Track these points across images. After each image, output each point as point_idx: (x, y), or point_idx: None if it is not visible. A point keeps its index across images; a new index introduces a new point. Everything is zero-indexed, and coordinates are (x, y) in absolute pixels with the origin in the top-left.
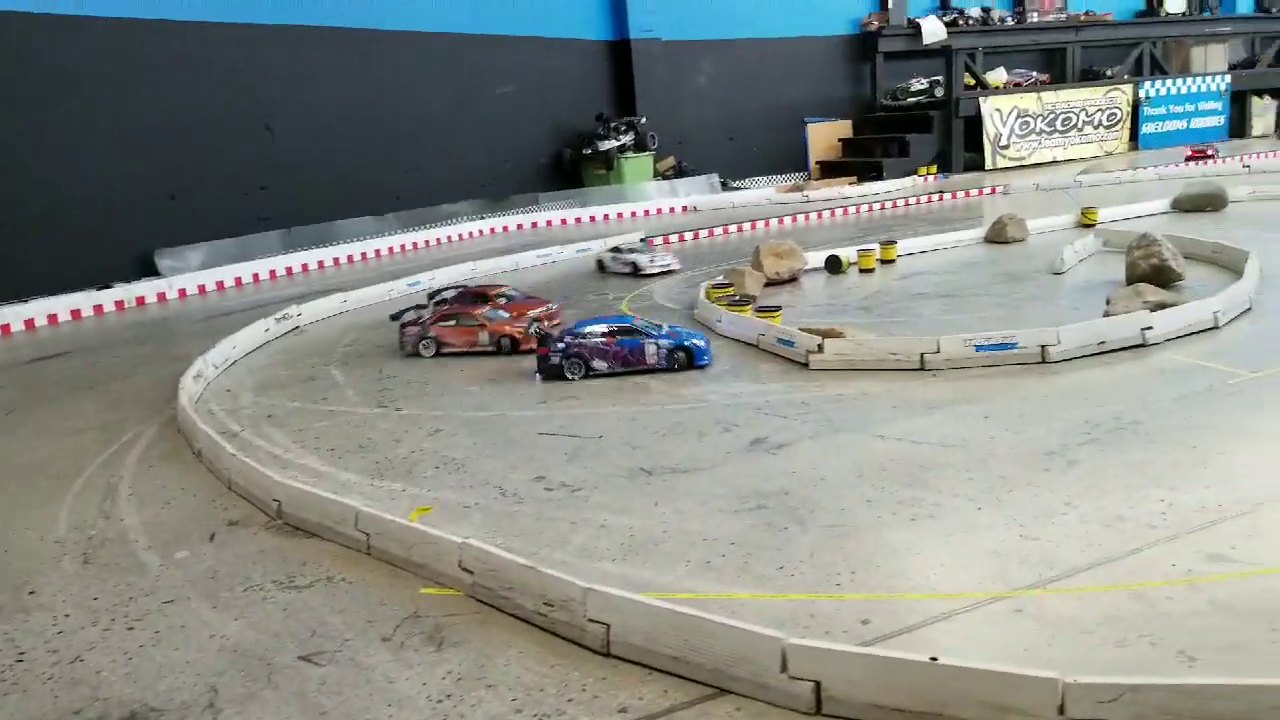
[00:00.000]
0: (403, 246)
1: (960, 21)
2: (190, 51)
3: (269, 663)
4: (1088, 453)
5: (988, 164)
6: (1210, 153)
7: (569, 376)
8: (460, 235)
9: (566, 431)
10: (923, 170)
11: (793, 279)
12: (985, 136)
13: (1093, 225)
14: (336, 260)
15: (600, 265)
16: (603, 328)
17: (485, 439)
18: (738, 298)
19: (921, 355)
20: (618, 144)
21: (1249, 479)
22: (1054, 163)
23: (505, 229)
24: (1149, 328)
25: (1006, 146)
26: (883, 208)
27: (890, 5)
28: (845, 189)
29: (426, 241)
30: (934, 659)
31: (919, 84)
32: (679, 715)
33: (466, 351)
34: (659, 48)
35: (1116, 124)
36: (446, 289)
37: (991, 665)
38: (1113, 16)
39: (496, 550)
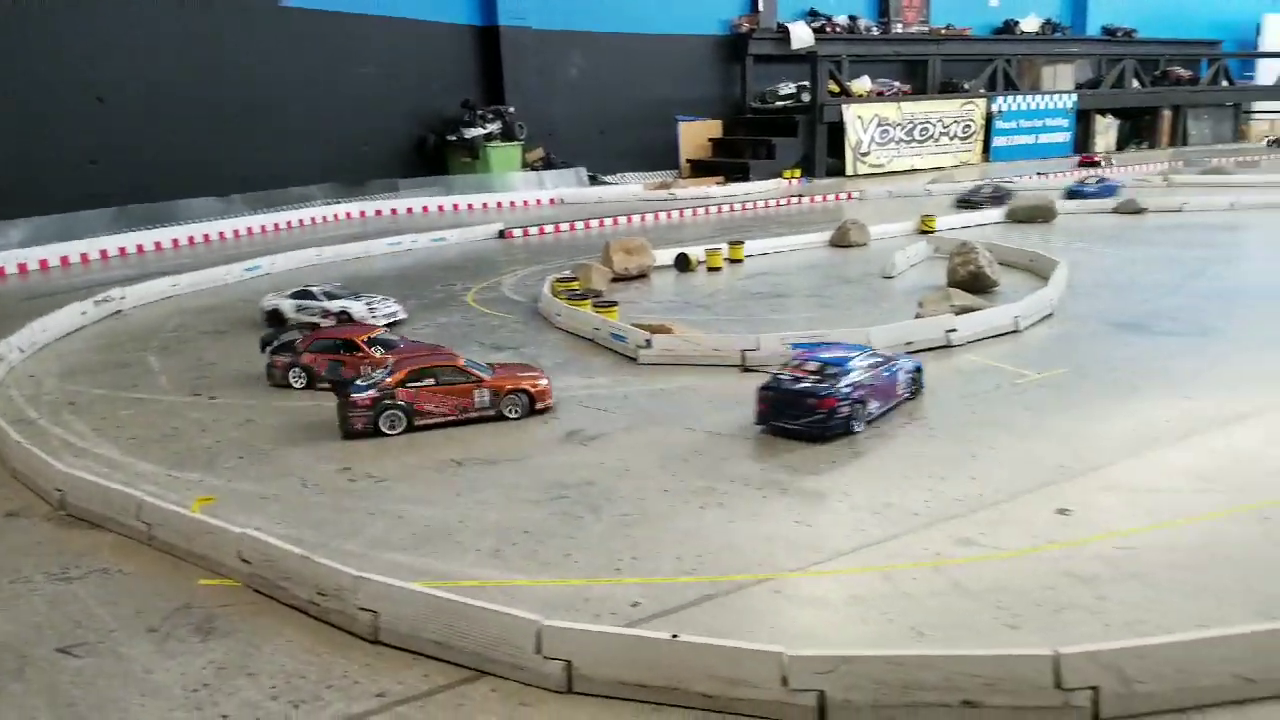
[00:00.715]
0: (249, 229)
1: (828, 29)
2: (6, 14)
3: (23, 655)
4: (874, 445)
5: (849, 170)
6: (1098, 160)
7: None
8: (312, 219)
9: None
10: (787, 173)
11: (642, 275)
12: (847, 143)
13: (931, 232)
14: (175, 242)
15: (271, 318)
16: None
17: (297, 430)
18: (582, 292)
19: (743, 352)
20: (484, 132)
21: (1009, 471)
22: (912, 171)
23: (362, 214)
24: (953, 330)
25: (867, 153)
26: (744, 208)
27: (761, 8)
28: (711, 188)
29: (275, 225)
30: (674, 636)
31: (787, 88)
32: (437, 698)
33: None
34: (530, 36)
35: (971, 136)
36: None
37: (724, 642)
38: (971, 31)
39: (274, 541)
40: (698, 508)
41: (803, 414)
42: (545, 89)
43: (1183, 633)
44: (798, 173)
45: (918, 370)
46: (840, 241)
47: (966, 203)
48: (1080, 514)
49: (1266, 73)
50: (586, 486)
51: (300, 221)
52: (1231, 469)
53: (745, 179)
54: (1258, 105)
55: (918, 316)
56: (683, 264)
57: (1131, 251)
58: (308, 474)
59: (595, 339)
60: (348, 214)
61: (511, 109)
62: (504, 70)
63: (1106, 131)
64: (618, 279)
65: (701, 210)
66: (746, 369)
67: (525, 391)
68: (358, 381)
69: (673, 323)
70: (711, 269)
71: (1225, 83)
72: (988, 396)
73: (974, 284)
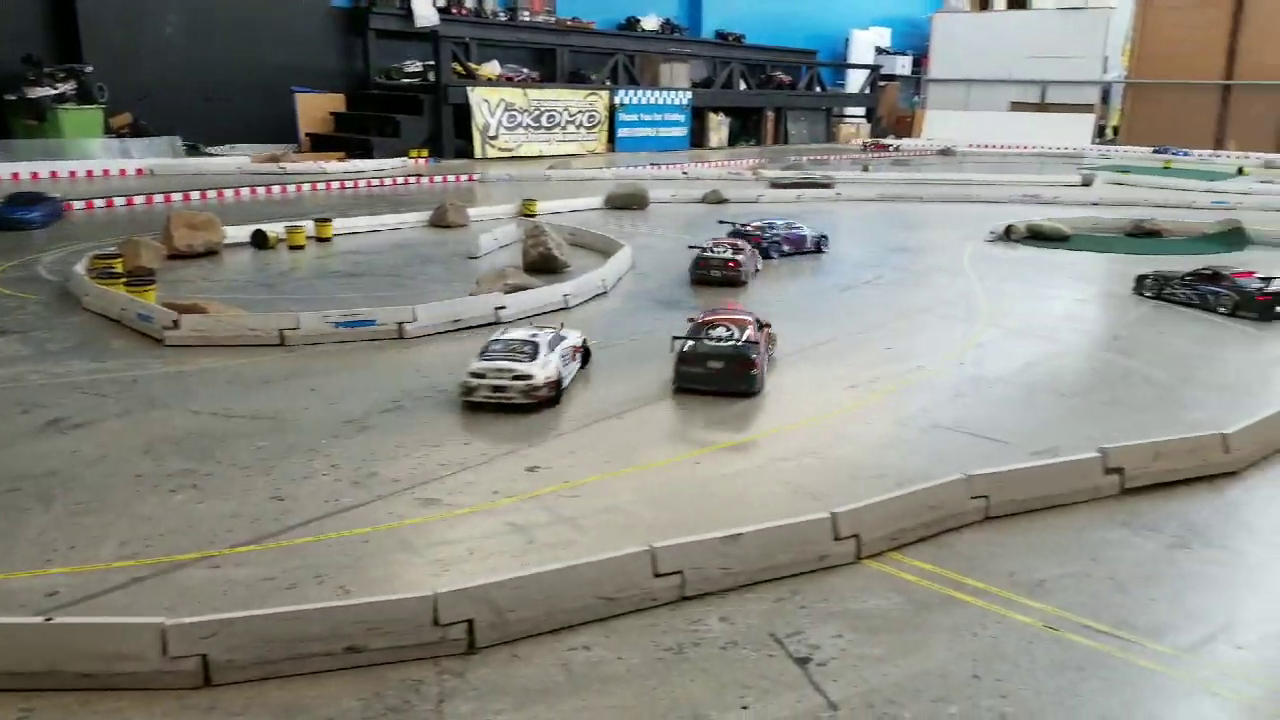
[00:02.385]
0: None
1: (454, 10)
2: None
3: None
4: (385, 420)
5: (477, 153)
6: (888, 145)
7: None
8: None
9: None
10: (414, 152)
11: (210, 252)
12: (474, 125)
13: (532, 216)
14: None
15: None
16: None
17: None
18: (120, 271)
19: (281, 331)
20: (54, 93)
21: (493, 439)
22: (541, 156)
23: None
24: (502, 307)
25: (495, 137)
26: (356, 186)
27: None
28: (326, 164)
29: None
30: (48, 619)
31: (413, 66)
32: None
33: None
34: None
35: (596, 125)
36: None
37: (101, 619)
38: (595, 25)
39: None
40: (168, 491)
41: None
42: (134, 49)
43: (554, 564)
44: (425, 152)
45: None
46: (439, 222)
47: (779, 186)
48: (549, 470)
49: (854, 81)
50: (47, 477)
51: None
52: (689, 425)
53: (369, 156)
54: (848, 110)
55: (471, 294)
56: (260, 241)
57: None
58: None
59: (122, 320)
60: None
61: (89, 68)
62: (80, 23)
63: (720, 128)
64: (179, 256)
65: (321, 185)
66: (287, 347)
67: None
68: None
69: (212, 302)
70: (293, 247)
71: (819, 89)
72: None
73: (545, 265)
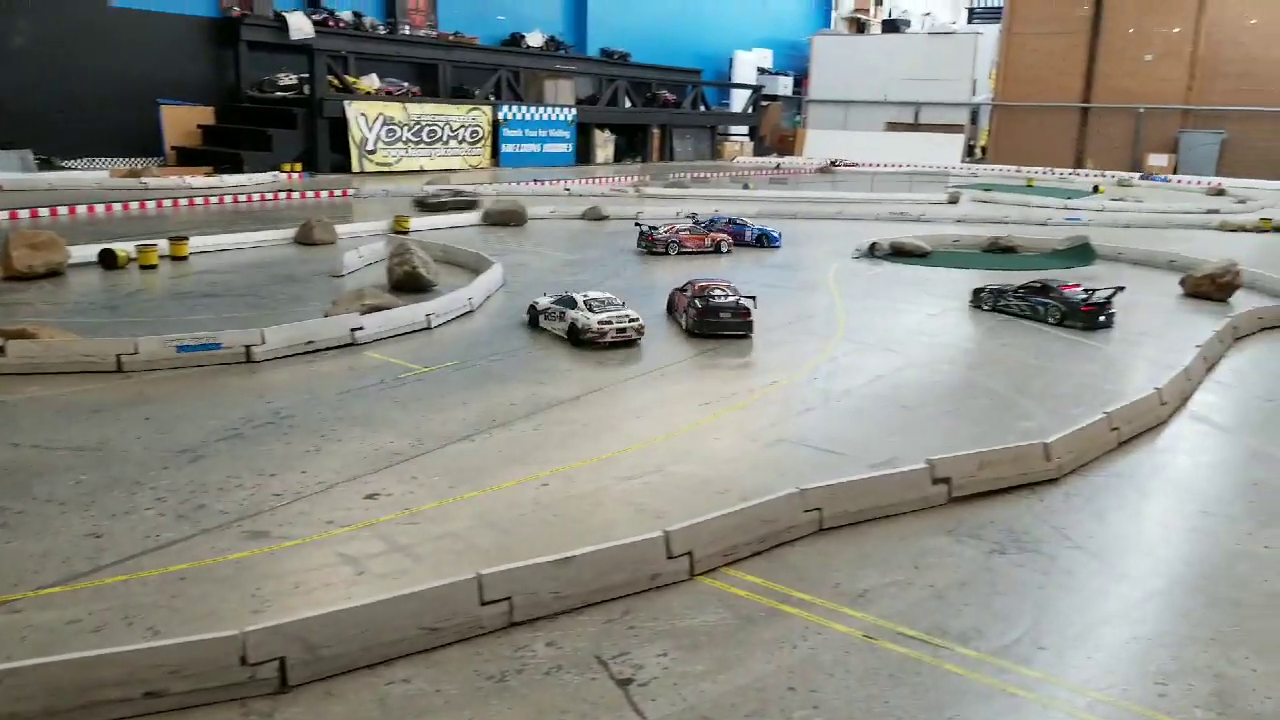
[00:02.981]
0: None
1: (331, 23)
2: None
3: None
4: (221, 449)
5: (355, 167)
6: (837, 164)
7: None
8: None
9: None
10: (286, 166)
11: (53, 273)
12: (351, 140)
13: (405, 232)
14: None
15: None
16: None
17: None
18: None
19: (118, 357)
20: None
21: (341, 462)
22: (422, 171)
23: None
24: (359, 328)
25: (373, 151)
26: (222, 201)
27: None
28: (191, 179)
29: None
30: None
31: (288, 79)
32: None
33: None
34: None
35: (479, 141)
36: None
37: None
38: (479, 40)
39: None
40: None
41: None
42: None
43: (373, 597)
44: (299, 167)
45: None
46: (305, 239)
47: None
48: (389, 498)
49: (738, 100)
50: None
51: None
52: (541, 446)
53: (239, 171)
54: (733, 128)
55: (327, 315)
56: (108, 261)
57: (577, 254)
58: None
59: None
60: None
61: None
62: None
63: (606, 145)
64: (18, 277)
65: (184, 201)
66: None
67: None
68: None
69: (45, 327)
70: (145, 267)
71: (703, 107)
72: (364, 392)
73: (411, 283)
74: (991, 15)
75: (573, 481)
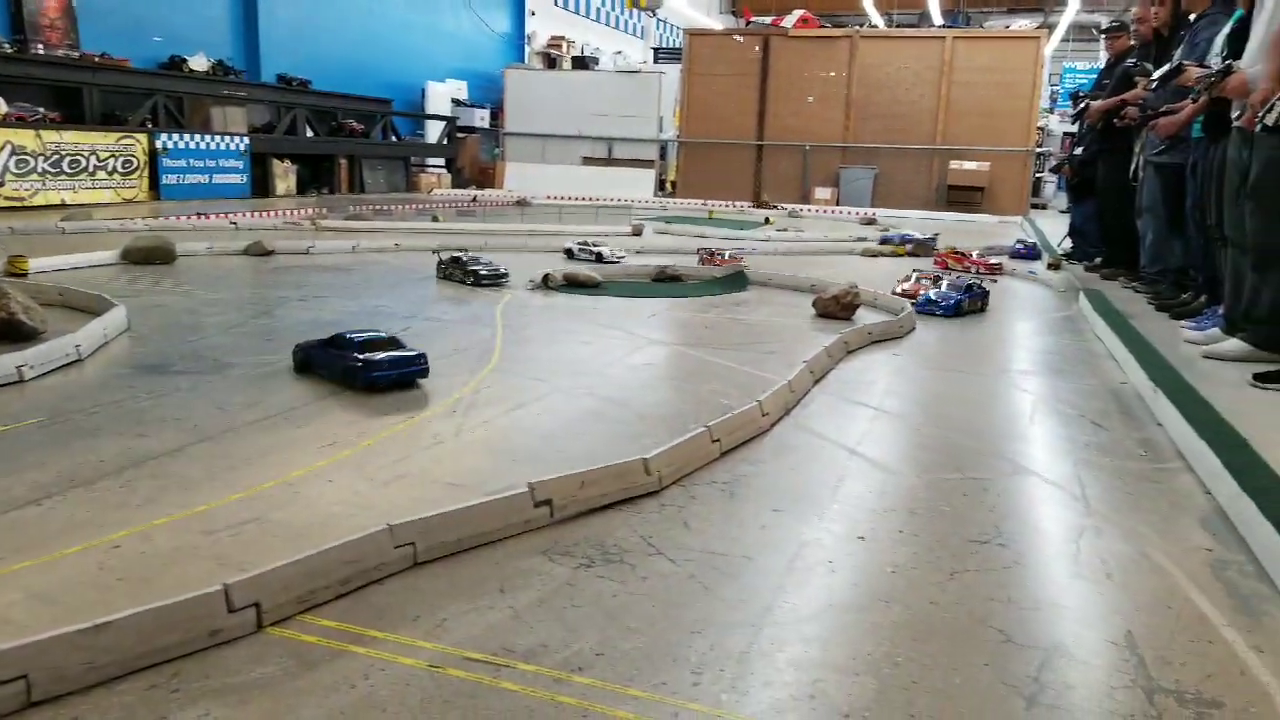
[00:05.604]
0: None
1: None
2: None
3: None
4: None
5: None
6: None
7: None
8: None
9: None
10: None
11: None
12: None
13: (23, 274)
14: None
15: None
16: None
17: None
18: None
19: None
20: None
21: None
22: (64, 205)
23: None
24: None
25: (2, 184)
26: None
27: None
28: None
29: None
30: None
31: None
32: None
33: None
34: None
35: (134, 172)
36: None
37: None
38: (130, 63)
39: None
40: None
41: None
42: None
43: None
44: None
45: None
46: None
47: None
48: None
49: (434, 132)
50: None
51: None
52: (123, 505)
53: None
54: (430, 160)
55: None
56: None
57: (226, 293)
58: None
59: None
60: None
61: None
62: None
63: (287, 176)
64: None
65: None
66: None
67: None
68: None
69: None
70: None
71: (395, 138)
72: None
73: (10, 332)
74: (674, 56)
75: (149, 541)
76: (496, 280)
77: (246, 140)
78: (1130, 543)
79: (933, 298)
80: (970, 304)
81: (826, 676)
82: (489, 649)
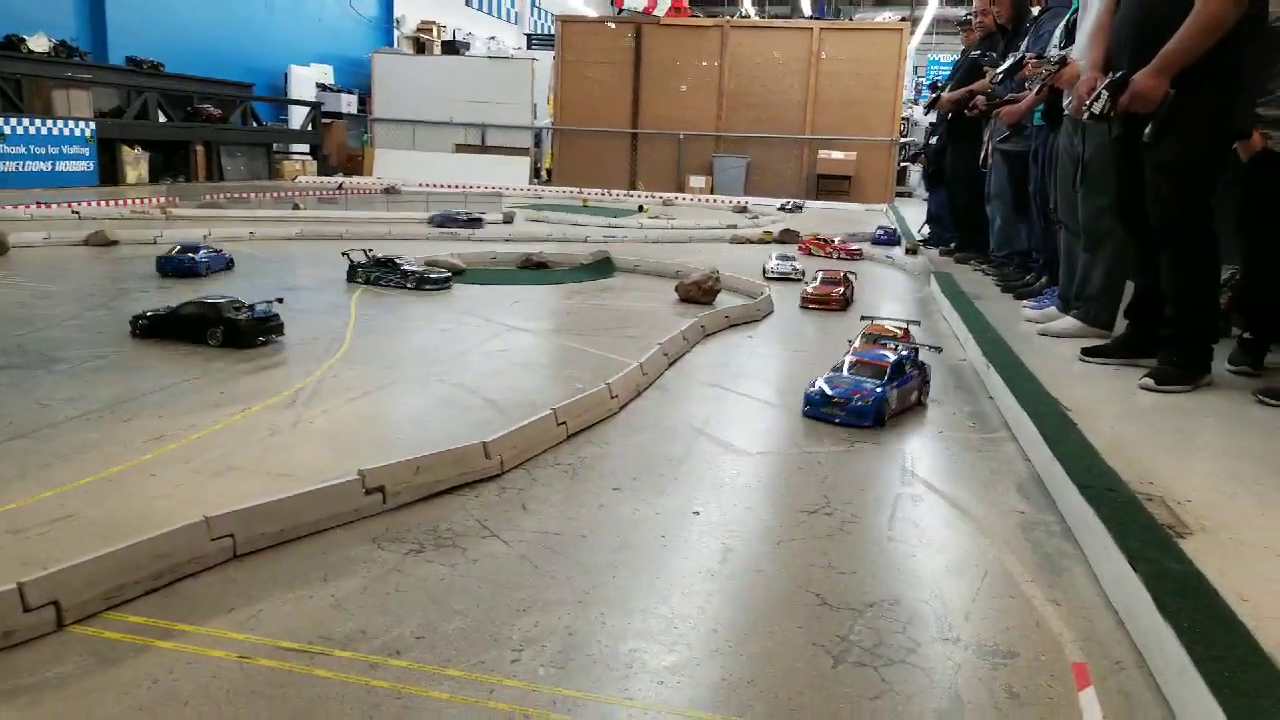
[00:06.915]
0: None
1: None
2: None
3: None
4: None
5: None
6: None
7: None
8: None
9: None
10: None
11: None
12: None
13: None
14: None
15: None
16: None
17: None
18: None
19: None
20: None
21: None
22: None
23: None
24: None
25: None
26: None
27: None
28: None
29: None
30: None
31: None
32: None
33: None
34: None
35: None
36: None
37: None
38: None
39: None
40: None
41: None
42: None
43: None
44: None
45: None
46: None
47: None
48: None
49: (297, 118)
50: None
51: None
52: None
53: None
54: (294, 146)
55: None
56: None
57: (62, 285)
58: None
59: None
60: None
61: None
62: None
63: (138, 163)
64: None
65: None
66: None
67: None
68: None
69: None
70: None
71: (255, 124)
72: None
73: None
74: (548, 42)
75: None
76: (442, 283)
77: (92, 125)
78: (949, 508)
79: (828, 393)
80: (902, 396)
81: (645, 646)
82: (305, 638)
